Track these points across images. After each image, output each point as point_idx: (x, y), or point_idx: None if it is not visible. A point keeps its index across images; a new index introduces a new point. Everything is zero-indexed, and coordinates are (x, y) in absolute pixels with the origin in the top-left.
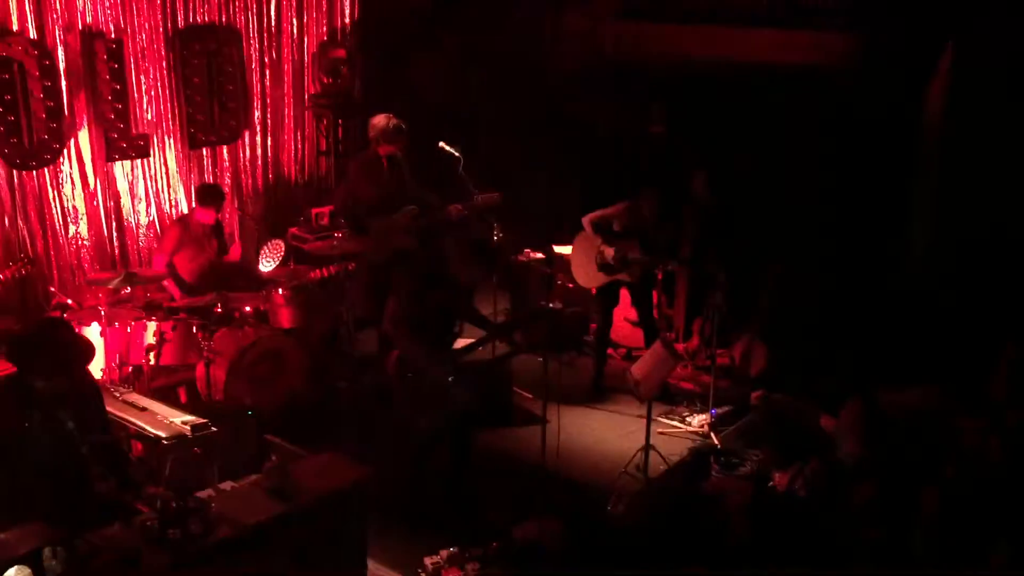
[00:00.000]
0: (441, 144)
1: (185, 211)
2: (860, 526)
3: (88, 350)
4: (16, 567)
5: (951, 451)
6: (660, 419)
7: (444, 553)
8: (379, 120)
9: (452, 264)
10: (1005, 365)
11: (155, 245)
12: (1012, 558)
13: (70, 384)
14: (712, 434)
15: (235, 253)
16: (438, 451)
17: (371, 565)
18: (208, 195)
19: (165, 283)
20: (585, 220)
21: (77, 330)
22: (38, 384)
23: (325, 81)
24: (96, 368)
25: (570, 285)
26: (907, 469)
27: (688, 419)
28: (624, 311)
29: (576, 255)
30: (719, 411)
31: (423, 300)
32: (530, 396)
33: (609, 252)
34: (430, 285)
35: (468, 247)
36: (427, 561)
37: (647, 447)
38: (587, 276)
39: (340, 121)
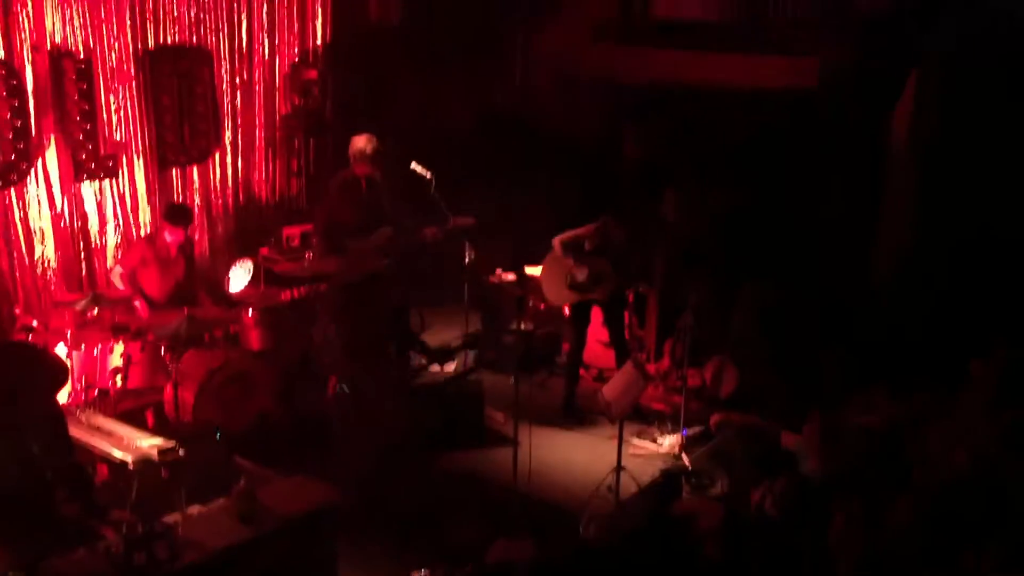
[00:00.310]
0: (413, 165)
1: (152, 231)
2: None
3: (62, 376)
4: None
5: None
6: (631, 440)
7: (415, 575)
8: (359, 141)
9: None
10: (994, 367)
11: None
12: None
13: (37, 407)
14: (683, 455)
15: (204, 274)
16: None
17: None
18: (176, 214)
19: (136, 302)
20: (555, 240)
21: (51, 352)
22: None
23: (296, 102)
24: (62, 391)
25: (541, 306)
26: (869, 484)
27: (659, 440)
28: (596, 332)
29: (546, 274)
30: (690, 432)
31: (355, 321)
32: (501, 417)
33: (581, 271)
34: (360, 306)
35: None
36: None
37: (618, 468)
38: (557, 295)
39: (311, 141)
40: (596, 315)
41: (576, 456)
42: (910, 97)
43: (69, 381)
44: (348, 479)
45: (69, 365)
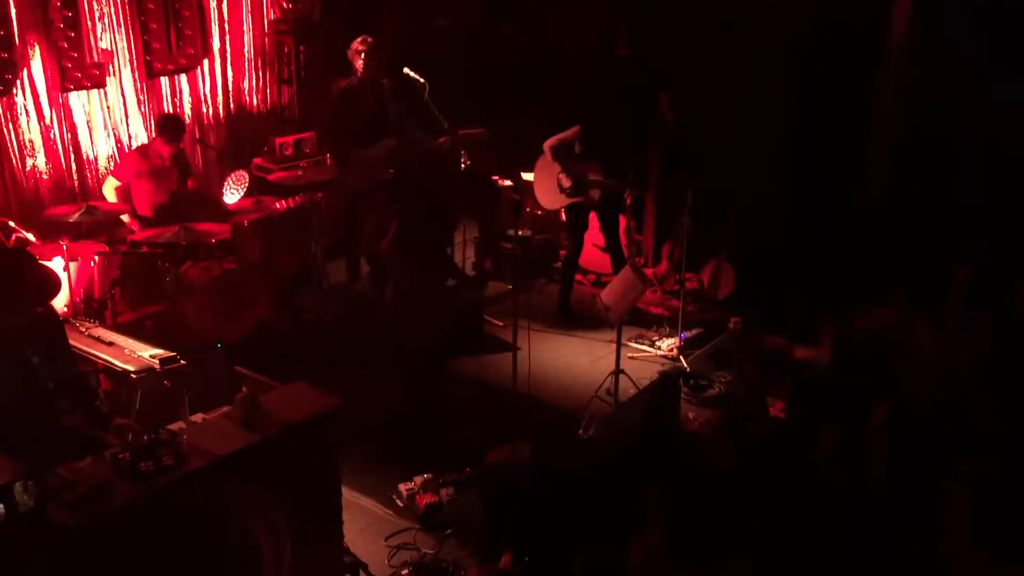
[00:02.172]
0: (405, 70)
1: (145, 142)
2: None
3: (53, 283)
4: None
5: (908, 366)
6: (630, 344)
7: (418, 479)
8: (355, 43)
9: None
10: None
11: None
12: None
13: (35, 317)
14: (681, 357)
15: (199, 185)
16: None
17: (346, 493)
18: (168, 126)
19: (125, 218)
20: (546, 145)
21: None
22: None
23: (285, 6)
24: (60, 303)
25: (539, 212)
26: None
27: (657, 343)
28: (593, 237)
29: (537, 179)
30: (688, 335)
31: (425, 229)
32: (500, 323)
33: (565, 177)
34: (432, 216)
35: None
36: (401, 487)
37: (617, 371)
38: (549, 199)
39: (301, 48)
40: (594, 220)
41: (575, 360)
42: (904, 15)
43: (62, 291)
44: (358, 385)
45: (63, 277)
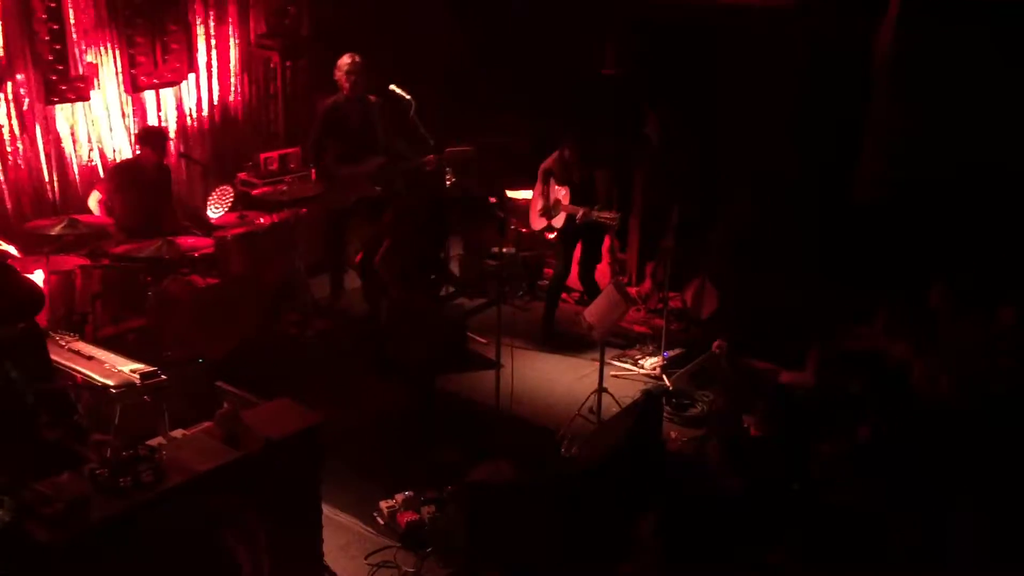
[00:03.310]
0: (392, 87)
1: (128, 156)
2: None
3: (37, 299)
4: None
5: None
6: (613, 362)
7: (399, 497)
8: (343, 59)
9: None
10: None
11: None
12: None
13: (15, 331)
14: (664, 376)
15: (183, 199)
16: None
17: (326, 509)
18: (150, 138)
19: (109, 228)
20: (540, 168)
21: (26, 277)
22: None
23: (271, 21)
24: (40, 316)
25: (523, 229)
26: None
27: (640, 362)
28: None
29: (533, 199)
30: (671, 353)
31: (416, 243)
32: (484, 340)
33: (540, 200)
34: (423, 230)
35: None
36: (382, 505)
37: (600, 390)
38: (534, 219)
39: (288, 63)
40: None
41: (558, 378)
42: (893, 17)
43: (44, 306)
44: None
45: (44, 290)
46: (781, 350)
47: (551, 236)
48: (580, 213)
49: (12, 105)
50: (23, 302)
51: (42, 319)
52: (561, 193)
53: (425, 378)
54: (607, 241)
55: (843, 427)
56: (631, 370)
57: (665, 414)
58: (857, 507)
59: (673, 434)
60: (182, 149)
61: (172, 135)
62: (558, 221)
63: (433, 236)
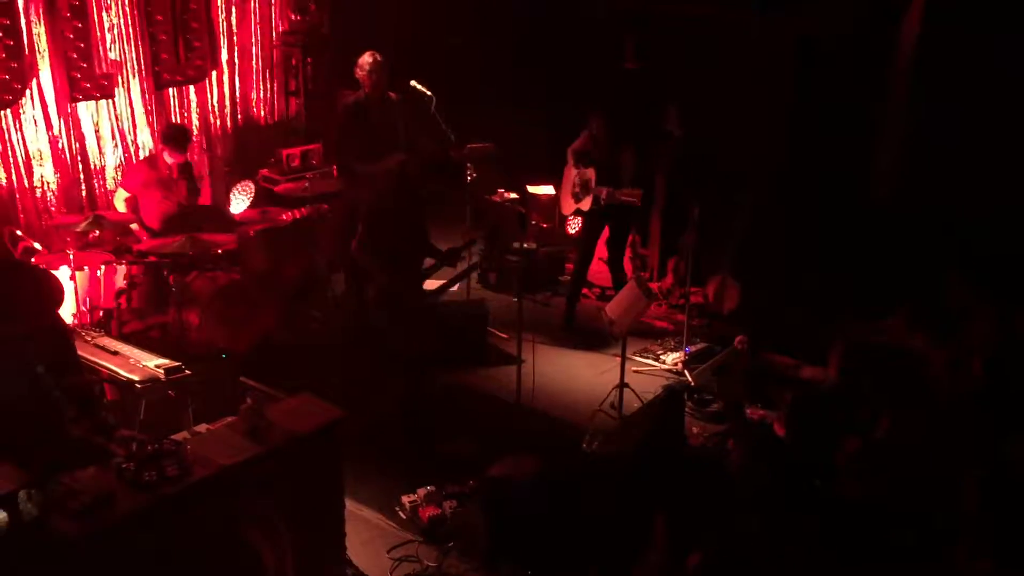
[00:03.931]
0: (412, 83)
1: (152, 153)
2: (845, 479)
3: (56, 293)
4: None
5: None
6: (634, 357)
7: (421, 492)
8: (364, 57)
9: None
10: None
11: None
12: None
13: (40, 327)
14: (686, 372)
15: (206, 196)
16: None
17: (349, 504)
18: (173, 136)
19: (133, 227)
20: (569, 149)
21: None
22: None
23: (293, 18)
24: (66, 312)
25: (544, 225)
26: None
27: (662, 357)
28: (600, 250)
29: (563, 184)
30: (692, 349)
31: (391, 231)
32: (505, 336)
33: (572, 181)
34: (399, 217)
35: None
36: (404, 500)
37: (621, 385)
38: (566, 202)
39: (309, 60)
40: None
41: (579, 374)
42: (916, 19)
43: (68, 301)
44: (362, 396)
45: (69, 287)
46: (804, 345)
47: (572, 232)
48: (604, 193)
49: (38, 102)
50: (39, 299)
51: (67, 315)
52: (589, 174)
53: (420, 367)
54: (630, 237)
55: (864, 422)
56: (653, 365)
57: (687, 410)
58: (877, 502)
59: (695, 430)
60: (205, 145)
61: (195, 132)
62: (585, 204)
63: (408, 219)
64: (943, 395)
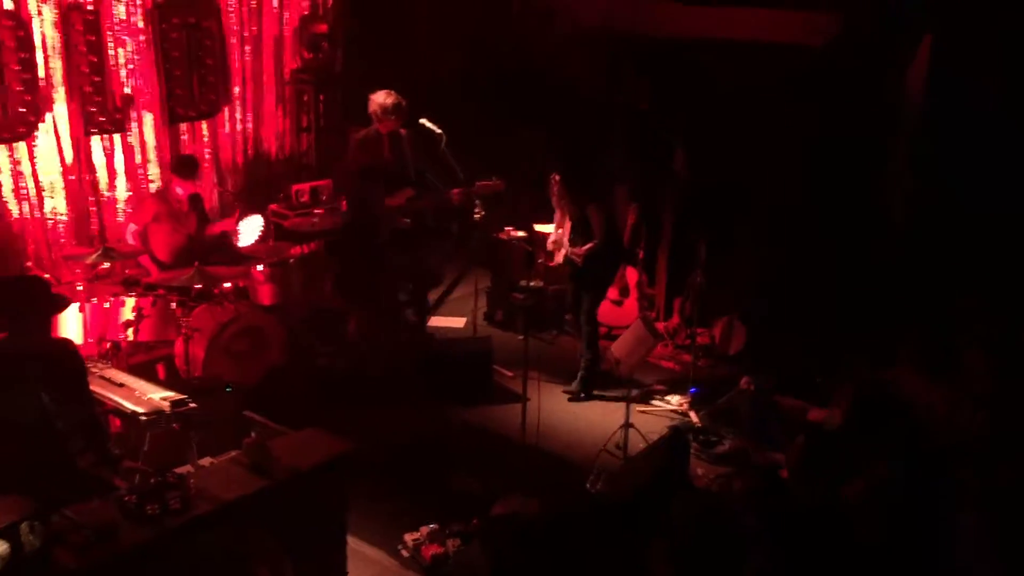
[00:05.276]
0: (422, 120)
1: (162, 186)
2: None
3: (62, 301)
4: None
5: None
6: (639, 398)
7: (424, 530)
8: (379, 96)
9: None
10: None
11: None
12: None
13: (48, 351)
14: (691, 412)
15: (215, 228)
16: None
17: (351, 541)
18: (183, 165)
19: (141, 259)
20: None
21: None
22: (11, 339)
23: (306, 56)
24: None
25: (551, 264)
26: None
27: (668, 398)
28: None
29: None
30: (698, 390)
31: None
32: (510, 374)
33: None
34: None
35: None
36: (407, 537)
37: (627, 425)
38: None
39: (321, 97)
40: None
41: (584, 413)
42: (924, 61)
43: (76, 332)
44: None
45: (78, 319)
46: (810, 387)
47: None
48: (562, 253)
49: (51, 135)
50: (52, 310)
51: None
52: (562, 229)
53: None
54: (634, 275)
55: (868, 464)
56: (658, 406)
57: (692, 451)
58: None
59: (700, 471)
60: (216, 180)
61: (206, 165)
62: (559, 258)
63: (373, 259)
64: (944, 438)
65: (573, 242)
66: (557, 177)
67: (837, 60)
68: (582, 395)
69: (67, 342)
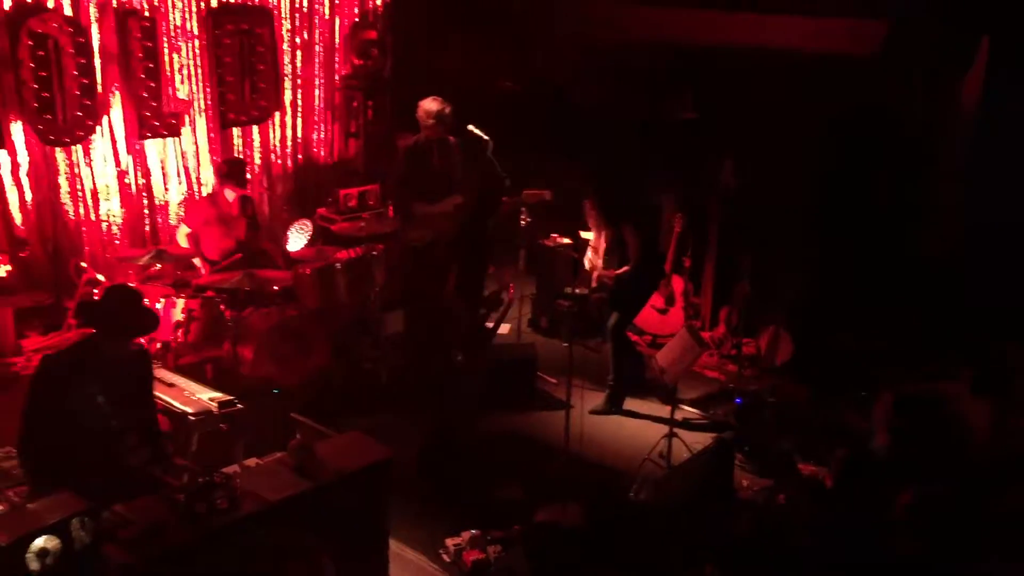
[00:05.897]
0: (470, 127)
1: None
2: (900, 536)
3: (151, 321)
4: (45, 536)
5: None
6: (684, 407)
7: (466, 535)
8: (428, 104)
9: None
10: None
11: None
12: None
13: (126, 353)
14: (736, 422)
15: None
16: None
17: (393, 545)
18: (231, 171)
19: (196, 261)
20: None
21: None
22: (106, 347)
23: (356, 62)
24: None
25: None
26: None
27: (713, 407)
28: (653, 299)
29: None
30: (743, 400)
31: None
32: (554, 381)
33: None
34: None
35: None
36: (449, 543)
37: (671, 434)
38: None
39: (369, 103)
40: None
41: (628, 421)
42: (981, 66)
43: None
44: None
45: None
46: (857, 399)
47: None
48: (594, 275)
49: (107, 139)
50: (145, 323)
51: None
52: (596, 251)
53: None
54: (680, 284)
55: (914, 479)
56: (703, 415)
57: (736, 462)
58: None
59: (745, 482)
60: (266, 184)
61: (256, 170)
62: (593, 281)
63: (455, 260)
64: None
65: (607, 263)
66: (589, 203)
67: (888, 66)
68: (612, 410)
69: (143, 352)
